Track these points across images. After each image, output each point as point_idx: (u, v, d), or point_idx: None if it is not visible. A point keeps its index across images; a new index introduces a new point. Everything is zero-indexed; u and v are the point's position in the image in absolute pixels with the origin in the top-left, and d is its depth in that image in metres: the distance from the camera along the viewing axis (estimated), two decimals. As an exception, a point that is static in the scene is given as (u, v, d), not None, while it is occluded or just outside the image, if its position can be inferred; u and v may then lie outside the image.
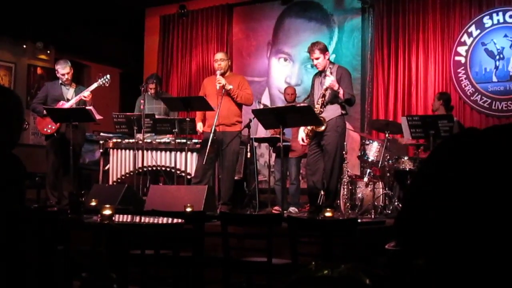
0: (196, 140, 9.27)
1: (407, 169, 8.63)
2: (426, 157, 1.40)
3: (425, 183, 1.34)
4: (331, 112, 7.85)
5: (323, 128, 7.79)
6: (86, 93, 9.11)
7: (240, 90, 8.51)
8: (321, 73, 8.03)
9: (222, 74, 8.47)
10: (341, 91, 7.70)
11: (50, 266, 4.45)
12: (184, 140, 8.80)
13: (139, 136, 9.10)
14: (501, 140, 1.28)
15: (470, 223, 1.25)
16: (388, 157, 8.79)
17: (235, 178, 8.93)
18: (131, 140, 9.42)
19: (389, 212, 8.45)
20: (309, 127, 7.92)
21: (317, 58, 7.93)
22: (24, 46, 13.22)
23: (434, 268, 1.32)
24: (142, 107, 9.16)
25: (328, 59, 8.08)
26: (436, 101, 9.25)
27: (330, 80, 7.72)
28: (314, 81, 8.22)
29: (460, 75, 10.60)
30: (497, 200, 1.21)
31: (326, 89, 7.82)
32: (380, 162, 8.78)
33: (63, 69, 9.30)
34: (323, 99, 7.85)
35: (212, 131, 8.10)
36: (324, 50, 7.99)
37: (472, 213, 1.24)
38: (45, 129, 9.25)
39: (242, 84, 8.64)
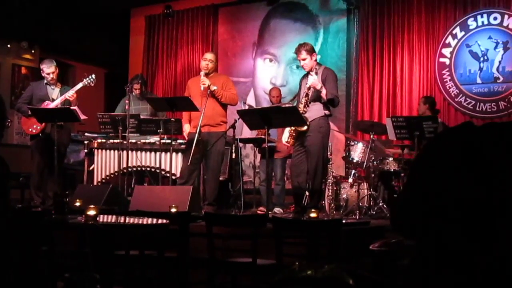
0: (181, 141, 9.25)
1: (392, 170, 8.66)
2: (429, 147, 1.41)
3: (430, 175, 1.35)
4: (314, 112, 7.84)
5: (305, 128, 7.79)
6: (70, 93, 9.07)
7: (224, 90, 8.48)
8: (308, 75, 8.04)
9: (206, 75, 8.46)
10: (323, 91, 7.71)
11: (34, 267, 4.43)
12: (169, 141, 8.79)
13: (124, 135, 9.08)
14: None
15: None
16: (373, 158, 8.82)
17: (220, 178, 8.92)
18: (116, 141, 9.39)
19: (374, 213, 8.47)
20: (292, 127, 7.92)
21: (304, 59, 7.94)
22: (9, 46, 13.14)
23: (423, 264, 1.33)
24: (127, 107, 9.12)
25: (315, 60, 8.08)
26: (422, 105, 9.23)
27: (312, 79, 7.74)
28: (301, 82, 8.22)
29: (444, 76, 10.66)
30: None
31: (309, 88, 7.83)
32: (365, 163, 8.80)
33: (48, 68, 9.25)
34: (306, 98, 7.85)
35: (197, 131, 8.10)
36: (311, 51, 7.99)
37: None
38: (30, 129, 9.21)
39: (226, 84, 8.62)
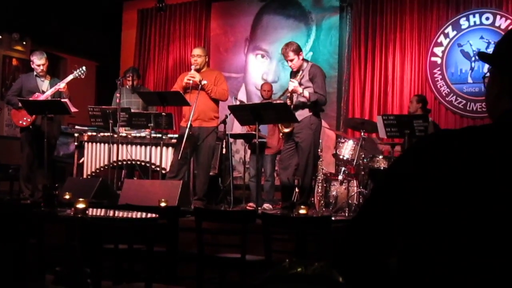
0: (171, 135, 9.24)
1: (382, 168, 8.67)
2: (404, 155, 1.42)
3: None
4: (304, 111, 7.82)
5: (287, 130, 7.77)
6: (62, 85, 9.03)
7: (216, 85, 8.47)
8: (295, 73, 7.99)
9: (198, 70, 8.45)
10: (306, 94, 7.67)
11: (23, 260, 4.42)
12: (160, 135, 8.77)
13: (115, 129, 9.06)
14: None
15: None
16: (363, 155, 8.83)
17: (210, 173, 8.92)
18: (106, 134, 9.37)
19: (363, 210, 8.47)
20: (280, 128, 7.91)
21: (291, 60, 7.87)
22: (0, 37, 13.09)
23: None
24: (118, 100, 9.11)
25: (302, 58, 8.02)
26: (414, 104, 9.22)
27: (292, 85, 7.69)
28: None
29: (436, 75, 10.68)
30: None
31: (290, 93, 7.79)
32: (355, 161, 8.81)
33: (39, 60, 9.22)
34: (290, 101, 7.81)
35: (188, 126, 8.08)
36: (298, 50, 7.91)
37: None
38: (20, 122, 9.17)
39: (218, 79, 8.60)
